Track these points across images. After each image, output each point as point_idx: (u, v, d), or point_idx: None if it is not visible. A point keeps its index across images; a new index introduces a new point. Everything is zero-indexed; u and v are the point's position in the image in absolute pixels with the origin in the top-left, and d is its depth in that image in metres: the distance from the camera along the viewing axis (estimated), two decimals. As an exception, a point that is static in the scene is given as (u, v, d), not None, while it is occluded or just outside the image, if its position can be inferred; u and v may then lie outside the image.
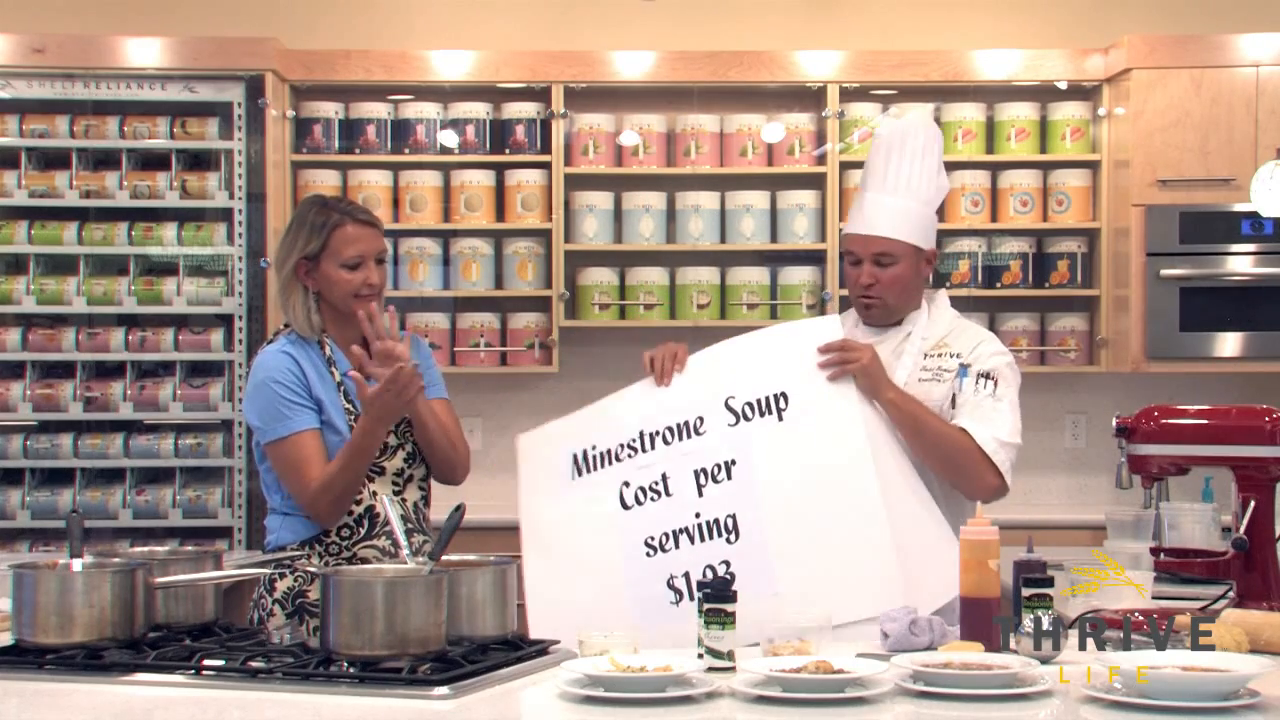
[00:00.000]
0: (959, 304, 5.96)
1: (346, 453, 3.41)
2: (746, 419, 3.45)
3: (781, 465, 3.41)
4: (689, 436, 3.47)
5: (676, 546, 3.38)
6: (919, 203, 3.54)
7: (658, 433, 3.50)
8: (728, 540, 3.36)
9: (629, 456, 3.49)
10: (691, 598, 3.28)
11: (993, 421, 3.40)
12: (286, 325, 3.58)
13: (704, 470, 3.42)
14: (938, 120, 6.06)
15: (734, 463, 3.41)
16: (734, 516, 3.37)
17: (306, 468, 3.43)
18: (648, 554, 3.40)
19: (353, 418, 3.47)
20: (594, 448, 3.54)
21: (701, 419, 3.47)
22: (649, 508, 3.44)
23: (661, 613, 3.33)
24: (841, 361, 3.43)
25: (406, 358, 3.44)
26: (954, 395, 3.46)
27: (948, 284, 6.03)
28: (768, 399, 3.45)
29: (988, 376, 3.44)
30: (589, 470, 3.53)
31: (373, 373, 3.43)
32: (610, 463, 3.51)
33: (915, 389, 3.47)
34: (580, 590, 3.42)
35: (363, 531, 3.48)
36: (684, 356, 3.56)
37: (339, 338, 3.55)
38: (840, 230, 5.94)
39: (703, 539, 3.38)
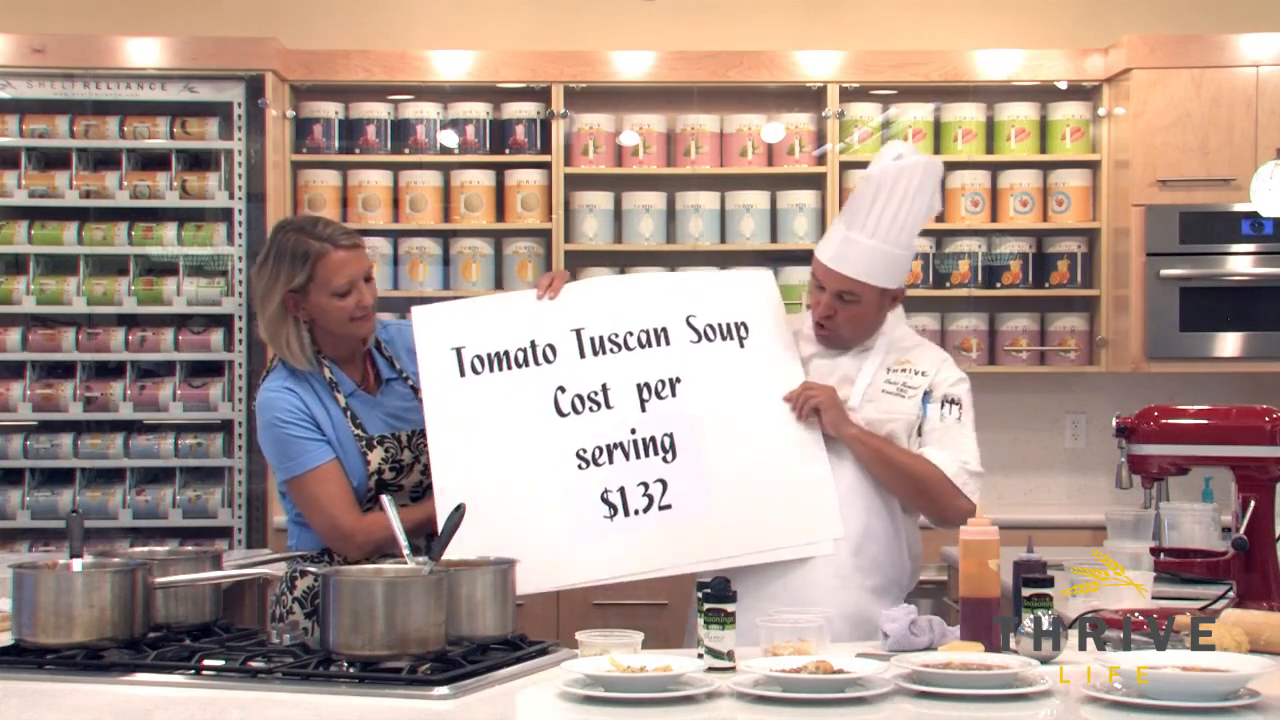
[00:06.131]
0: (959, 304, 6.06)
1: (408, 524, 3.18)
2: (709, 339, 3.50)
3: (733, 390, 3.47)
4: (650, 346, 3.48)
5: (610, 461, 3.39)
6: (895, 246, 3.44)
7: (601, 339, 3.48)
8: (664, 459, 3.40)
9: (545, 361, 3.45)
10: (626, 514, 3.35)
11: (960, 448, 3.43)
12: None
13: (648, 384, 3.45)
14: (937, 121, 6.08)
15: (679, 380, 3.44)
16: (671, 435, 3.41)
17: (331, 504, 3.35)
18: (579, 466, 3.39)
19: (363, 443, 3.40)
20: (490, 347, 3.46)
21: (665, 331, 3.49)
22: (585, 418, 3.42)
23: (595, 525, 3.36)
24: (803, 402, 3.45)
25: None
26: (919, 420, 3.47)
27: (948, 284, 6.04)
28: (731, 324, 3.52)
29: (953, 402, 3.47)
30: (481, 369, 3.46)
31: None
32: (510, 366, 3.45)
33: (879, 400, 3.47)
34: (501, 490, 3.36)
35: None
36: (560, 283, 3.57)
37: (337, 356, 3.47)
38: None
39: (638, 456, 3.40)
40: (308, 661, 2.73)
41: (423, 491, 3.47)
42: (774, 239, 6.04)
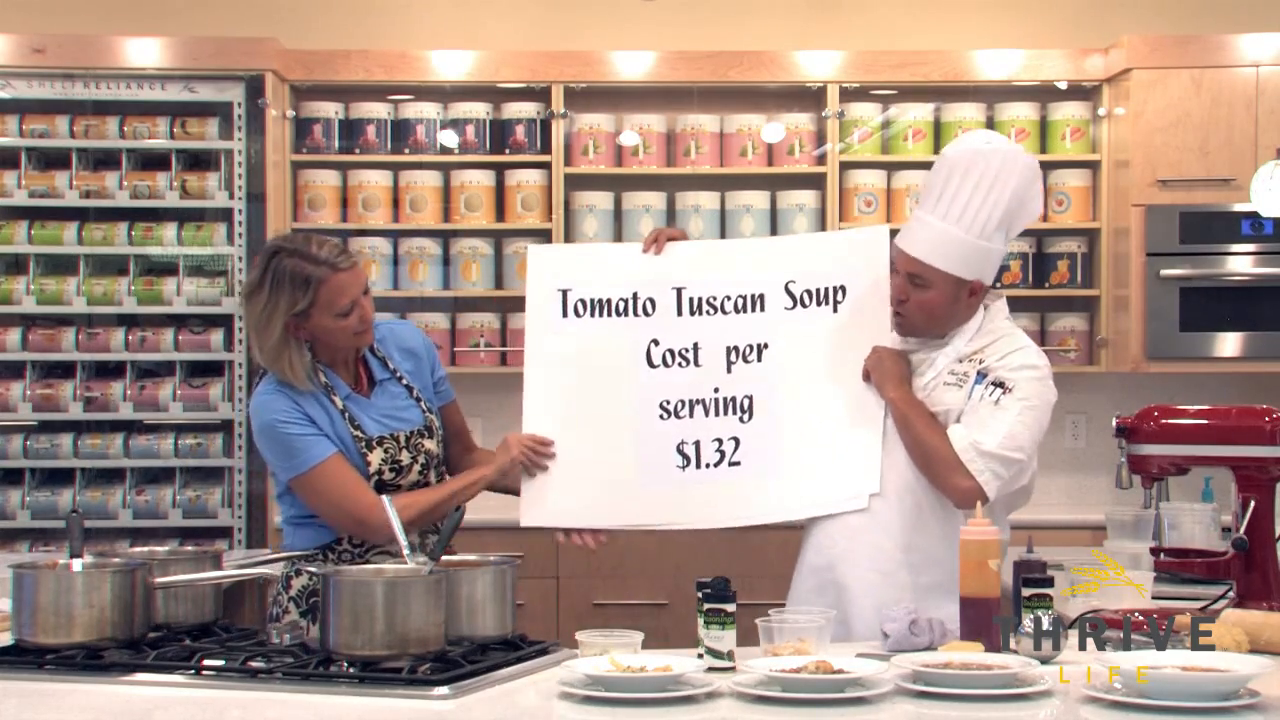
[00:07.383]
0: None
1: (448, 492, 3.37)
2: (803, 305, 3.56)
3: (817, 356, 3.52)
4: (745, 311, 3.56)
5: (690, 415, 3.52)
6: (965, 232, 3.30)
7: (699, 300, 3.58)
8: (740, 419, 3.51)
9: (644, 314, 3.57)
10: (698, 466, 3.49)
11: (984, 427, 3.26)
12: None
13: (736, 348, 3.55)
14: (937, 121, 6.08)
15: (767, 346, 3.54)
16: (750, 397, 3.52)
17: (352, 490, 3.34)
18: (660, 416, 3.53)
19: (363, 444, 3.40)
20: (594, 293, 3.60)
21: (762, 297, 3.56)
22: (673, 371, 3.55)
23: (668, 473, 3.50)
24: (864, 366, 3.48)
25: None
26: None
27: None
28: (829, 289, 3.54)
29: (999, 384, 3.30)
30: (583, 313, 3.60)
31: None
32: (610, 313, 3.59)
33: (936, 393, 3.37)
34: (583, 428, 3.54)
35: None
36: (669, 237, 3.65)
37: (331, 360, 3.46)
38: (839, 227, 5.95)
39: (717, 413, 3.52)
40: (308, 661, 2.73)
41: (419, 489, 3.47)
42: (774, 239, 6.05)
